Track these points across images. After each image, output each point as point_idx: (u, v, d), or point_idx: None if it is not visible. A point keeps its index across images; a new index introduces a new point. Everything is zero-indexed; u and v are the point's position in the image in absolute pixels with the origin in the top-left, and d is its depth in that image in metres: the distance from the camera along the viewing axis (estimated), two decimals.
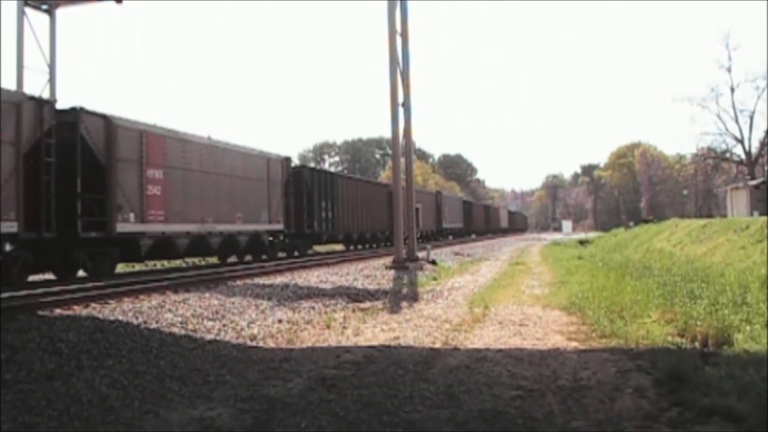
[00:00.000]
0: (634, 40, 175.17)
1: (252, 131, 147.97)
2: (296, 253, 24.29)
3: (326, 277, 15.53)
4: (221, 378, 6.19)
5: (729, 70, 55.76)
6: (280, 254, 23.59)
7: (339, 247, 31.20)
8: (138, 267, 20.12)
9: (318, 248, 29.13)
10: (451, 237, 48.15)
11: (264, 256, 21.46)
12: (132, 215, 14.80)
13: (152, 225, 15.49)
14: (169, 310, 9.70)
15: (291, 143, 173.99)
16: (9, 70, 20.66)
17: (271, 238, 21.72)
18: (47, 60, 21.27)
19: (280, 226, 21.91)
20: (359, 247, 31.13)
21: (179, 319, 9.13)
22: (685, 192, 78.07)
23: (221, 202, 18.39)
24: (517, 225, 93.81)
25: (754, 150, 56.45)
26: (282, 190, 22.26)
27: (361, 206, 30.08)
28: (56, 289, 11.56)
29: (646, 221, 53.18)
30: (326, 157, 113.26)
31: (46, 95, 20.93)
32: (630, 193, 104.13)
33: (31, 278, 16.18)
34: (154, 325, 8.64)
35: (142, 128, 15.49)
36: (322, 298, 11.98)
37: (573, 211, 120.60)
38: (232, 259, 21.36)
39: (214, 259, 24.62)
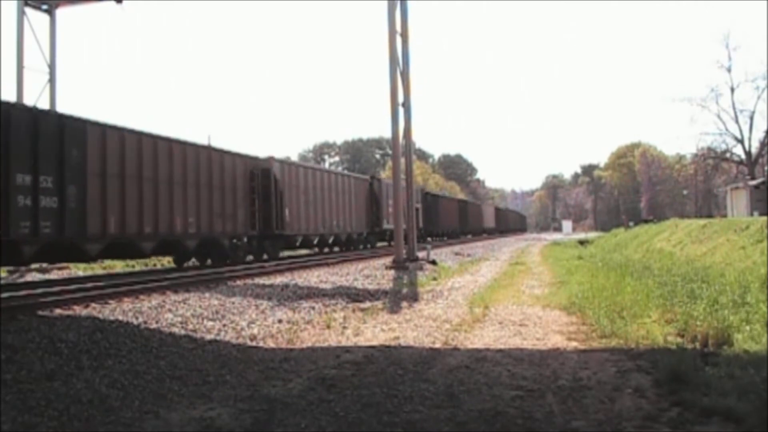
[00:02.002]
0: (634, 40, 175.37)
1: (252, 131, 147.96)
2: None
3: (326, 277, 15.53)
4: (221, 378, 6.19)
5: (729, 70, 55.67)
6: None
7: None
8: (138, 267, 20.16)
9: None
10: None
11: None
12: None
13: None
14: (169, 310, 9.70)
15: (291, 143, 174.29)
16: (9, 70, 20.72)
17: None
18: (47, 60, 21.30)
19: None
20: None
21: (179, 319, 9.13)
22: (685, 192, 78.02)
23: None
24: (509, 225, 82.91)
25: (754, 150, 56.39)
26: None
27: (171, 190, 15.97)
28: (56, 289, 11.57)
29: (646, 221, 53.14)
30: (326, 157, 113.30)
31: (46, 95, 21.05)
32: (630, 193, 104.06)
33: (30, 278, 16.21)
34: (154, 325, 8.64)
35: None
36: (322, 298, 11.97)
37: (573, 211, 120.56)
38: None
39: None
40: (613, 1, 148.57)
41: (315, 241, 24.69)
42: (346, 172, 30.37)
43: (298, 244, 23.45)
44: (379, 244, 32.52)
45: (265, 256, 21.20)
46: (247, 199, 19.79)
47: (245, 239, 19.83)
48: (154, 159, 15.44)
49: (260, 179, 20.55)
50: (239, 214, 19.22)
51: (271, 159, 21.38)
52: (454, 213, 50.45)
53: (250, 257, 20.44)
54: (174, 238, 16.19)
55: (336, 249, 27.36)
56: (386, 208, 31.89)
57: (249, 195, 19.89)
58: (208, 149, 18.07)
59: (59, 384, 5.67)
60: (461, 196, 79.47)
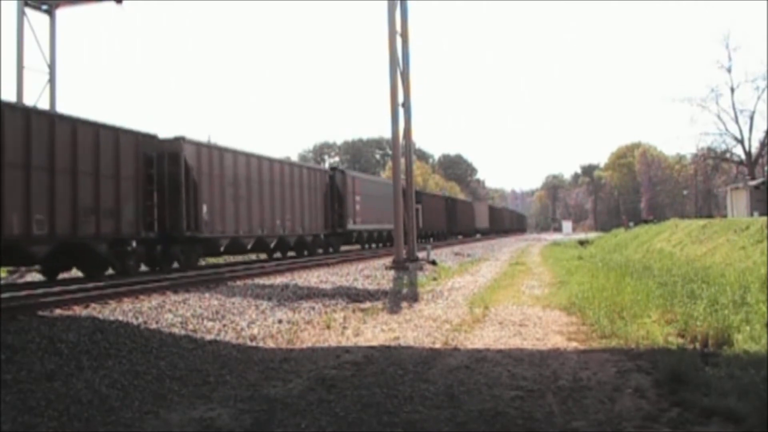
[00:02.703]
0: (634, 40, 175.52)
1: (253, 132, 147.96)
2: None
3: (326, 278, 15.53)
4: (221, 378, 6.19)
5: (729, 70, 55.55)
6: None
7: None
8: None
9: None
10: (373, 245, 30.70)
11: None
12: None
13: None
14: (169, 311, 9.70)
15: (291, 143, 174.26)
16: (9, 70, 20.71)
17: None
18: (47, 60, 21.30)
19: None
20: None
21: (179, 319, 9.13)
22: (685, 192, 78.06)
23: None
24: (504, 225, 77.98)
25: (754, 150, 56.36)
26: None
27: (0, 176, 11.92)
28: (56, 289, 11.56)
29: (646, 221, 53.16)
30: (326, 157, 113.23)
31: (46, 96, 21.03)
32: (630, 193, 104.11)
33: (30, 278, 16.20)
34: (154, 326, 8.64)
35: None
36: (322, 298, 11.97)
37: (573, 211, 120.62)
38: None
39: (213, 260, 23.55)
40: (613, 1, 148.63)
41: (249, 246, 19.91)
42: (296, 161, 22.91)
43: (222, 249, 18.56)
44: (345, 248, 28.38)
45: (175, 265, 16.79)
46: (140, 190, 15.07)
47: (135, 244, 15.00)
48: None
49: (165, 165, 16.02)
50: (125, 210, 14.55)
51: (180, 140, 16.56)
52: (440, 212, 44.82)
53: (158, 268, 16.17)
54: (7, 243, 11.77)
55: (291, 254, 23.74)
56: (353, 206, 27.28)
57: (143, 185, 15.19)
58: (72, 121, 13.48)
59: (59, 384, 5.67)
60: (461, 196, 79.04)
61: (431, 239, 40.34)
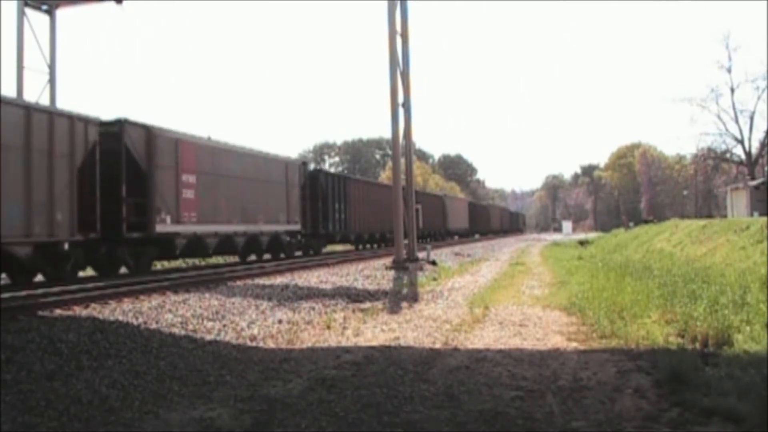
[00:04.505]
0: (634, 40, 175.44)
1: (252, 131, 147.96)
2: None
3: (326, 278, 15.53)
4: (221, 378, 6.19)
5: (729, 70, 55.59)
6: None
7: None
8: None
9: None
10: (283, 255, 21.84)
11: None
12: None
13: None
14: (169, 311, 9.70)
15: (291, 143, 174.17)
16: (9, 70, 20.68)
17: None
18: (47, 60, 21.27)
19: None
20: None
21: (179, 319, 9.13)
22: (685, 192, 78.01)
23: None
24: (491, 226, 68.11)
25: (754, 150, 56.40)
26: None
27: None
28: (56, 289, 11.56)
29: (646, 222, 53.16)
30: (326, 157, 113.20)
31: (46, 96, 21.01)
32: (630, 193, 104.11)
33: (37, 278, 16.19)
34: (154, 326, 8.64)
35: None
36: (322, 298, 11.97)
37: (573, 211, 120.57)
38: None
39: (212, 260, 23.14)
40: (613, 1, 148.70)
41: None
42: None
43: None
44: (173, 265, 18.75)
45: None
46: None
47: None
48: None
49: None
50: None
51: None
52: (385, 208, 27.51)
53: None
54: None
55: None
56: (176, 192, 16.01)
57: None
58: None
59: (59, 384, 5.67)
60: (461, 195, 78.29)
61: (376, 245, 28.55)
